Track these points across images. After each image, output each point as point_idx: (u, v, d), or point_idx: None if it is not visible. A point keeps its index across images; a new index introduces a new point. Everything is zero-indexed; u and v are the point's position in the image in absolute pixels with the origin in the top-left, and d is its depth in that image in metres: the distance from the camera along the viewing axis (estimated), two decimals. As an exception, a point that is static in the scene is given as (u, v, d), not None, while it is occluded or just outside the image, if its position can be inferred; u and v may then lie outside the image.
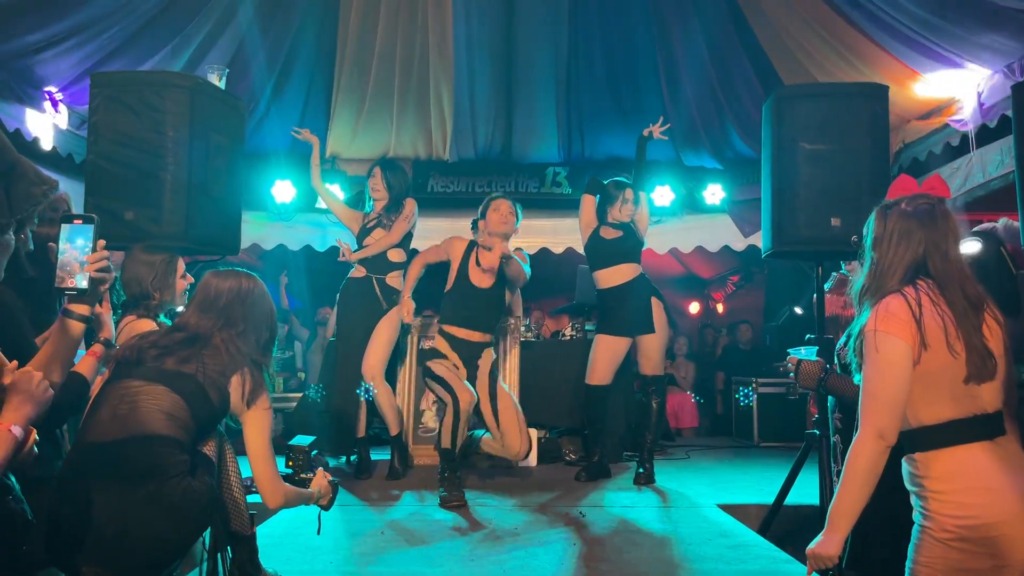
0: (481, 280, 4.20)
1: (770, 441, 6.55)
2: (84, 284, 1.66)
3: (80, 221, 1.67)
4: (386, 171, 4.66)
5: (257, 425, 2.15)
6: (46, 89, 5.23)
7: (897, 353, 1.77)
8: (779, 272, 8.63)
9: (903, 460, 1.88)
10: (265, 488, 2.17)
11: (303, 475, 2.55)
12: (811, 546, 1.81)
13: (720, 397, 7.84)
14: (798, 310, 7.61)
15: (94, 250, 1.67)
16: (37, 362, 1.67)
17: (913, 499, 1.84)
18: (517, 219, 4.30)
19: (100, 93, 3.37)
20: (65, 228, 1.67)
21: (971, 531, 1.69)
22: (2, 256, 1.65)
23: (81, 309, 1.69)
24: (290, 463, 2.65)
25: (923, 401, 1.80)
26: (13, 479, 1.63)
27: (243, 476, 2.41)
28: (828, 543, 1.78)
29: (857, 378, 1.95)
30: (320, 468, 2.56)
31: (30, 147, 5.22)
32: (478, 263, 4.22)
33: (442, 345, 4.19)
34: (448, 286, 4.28)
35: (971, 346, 1.77)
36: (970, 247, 3.01)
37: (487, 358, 4.20)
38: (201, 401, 2.04)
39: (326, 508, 2.51)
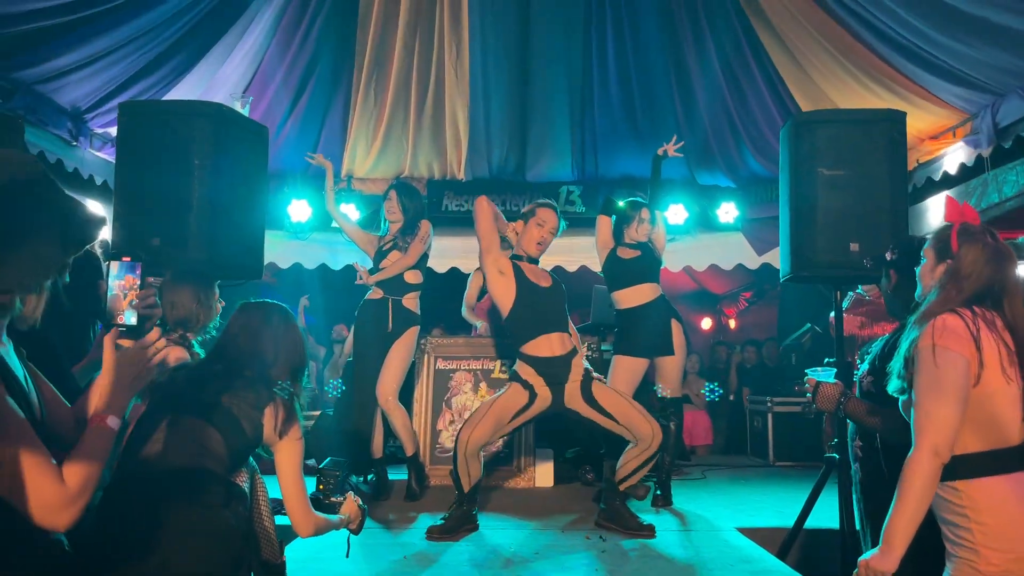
0: (540, 279, 3.88)
1: (785, 460, 6.55)
2: (133, 321, 1.72)
3: (128, 259, 1.74)
4: (402, 194, 4.70)
5: (289, 455, 2.18)
6: (69, 111, 5.31)
7: (957, 368, 1.78)
8: (792, 289, 8.64)
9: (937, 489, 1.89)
10: (298, 519, 2.21)
11: (333, 499, 2.55)
12: (865, 557, 1.81)
13: (748, 413, 7.81)
14: (819, 329, 7.62)
15: (142, 287, 1.73)
16: (92, 397, 1.71)
17: (951, 530, 1.83)
18: (557, 233, 3.98)
19: (128, 122, 3.43)
20: (114, 266, 1.73)
21: (1019, 565, 1.70)
22: (44, 297, 1.67)
23: (130, 345, 1.74)
24: (320, 486, 2.66)
25: (971, 425, 1.81)
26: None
27: (270, 497, 2.43)
28: (885, 559, 1.77)
29: (893, 386, 1.96)
30: (350, 493, 2.57)
31: (54, 168, 5.30)
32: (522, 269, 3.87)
33: (526, 371, 3.73)
34: (510, 305, 3.79)
35: None
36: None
37: (576, 371, 3.75)
38: (236, 433, 2.08)
39: (355, 532, 2.53)
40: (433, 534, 3.64)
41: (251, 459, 2.32)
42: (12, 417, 1.40)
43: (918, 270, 2.14)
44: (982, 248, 1.94)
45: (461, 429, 3.72)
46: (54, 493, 1.42)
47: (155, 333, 1.73)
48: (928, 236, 2.14)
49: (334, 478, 2.64)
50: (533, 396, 3.73)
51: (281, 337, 2.29)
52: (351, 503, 2.50)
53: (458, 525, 3.70)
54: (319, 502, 2.51)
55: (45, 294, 1.60)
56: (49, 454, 1.45)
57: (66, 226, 1.53)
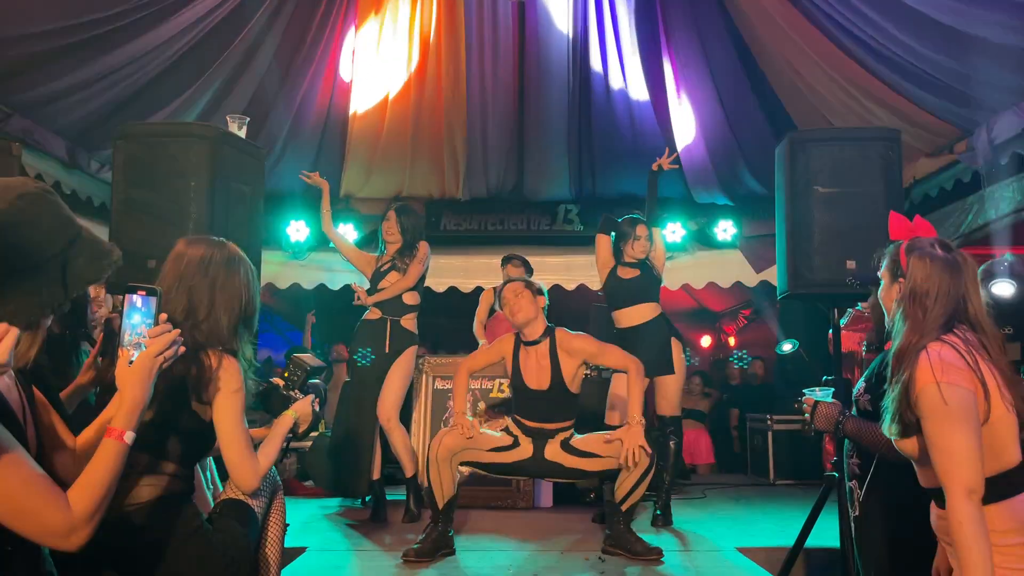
0: (537, 382, 3.80)
1: (786, 479, 6.51)
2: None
3: (143, 292, 1.62)
4: (400, 216, 4.70)
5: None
6: (66, 133, 5.32)
7: (967, 403, 1.70)
8: (791, 306, 8.62)
9: (936, 511, 1.86)
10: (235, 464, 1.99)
11: (294, 392, 2.36)
12: None
13: (736, 433, 7.79)
14: (786, 347, 7.63)
15: (156, 323, 1.62)
16: (95, 428, 1.67)
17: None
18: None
19: (124, 143, 3.42)
20: (128, 299, 1.61)
21: None
22: (40, 335, 1.54)
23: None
24: (286, 374, 2.41)
25: (986, 452, 1.73)
26: (46, 551, 1.61)
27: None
28: None
29: (891, 429, 1.86)
30: (312, 395, 2.34)
31: (50, 191, 5.31)
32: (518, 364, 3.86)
33: (513, 428, 3.85)
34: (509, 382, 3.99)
35: (1021, 398, 1.76)
36: (1004, 289, 2.94)
37: (560, 435, 3.79)
38: None
39: (300, 436, 2.30)
40: (409, 557, 3.54)
41: (278, 480, 2.25)
42: (3, 448, 1.33)
43: (879, 293, 2.05)
44: (931, 261, 1.84)
45: (433, 438, 3.73)
46: (59, 520, 1.36)
47: (167, 337, 1.62)
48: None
49: (303, 372, 2.37)
50: (516, 443, 3.80)
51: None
52: (307, 404, 2.29)
53: (435, 547, 3.61)
54: (276, 391, 2.33)
55: (41, 333, 1.53)
56: (50, 479, 1.39)
57: (67, 257, 1.44)
